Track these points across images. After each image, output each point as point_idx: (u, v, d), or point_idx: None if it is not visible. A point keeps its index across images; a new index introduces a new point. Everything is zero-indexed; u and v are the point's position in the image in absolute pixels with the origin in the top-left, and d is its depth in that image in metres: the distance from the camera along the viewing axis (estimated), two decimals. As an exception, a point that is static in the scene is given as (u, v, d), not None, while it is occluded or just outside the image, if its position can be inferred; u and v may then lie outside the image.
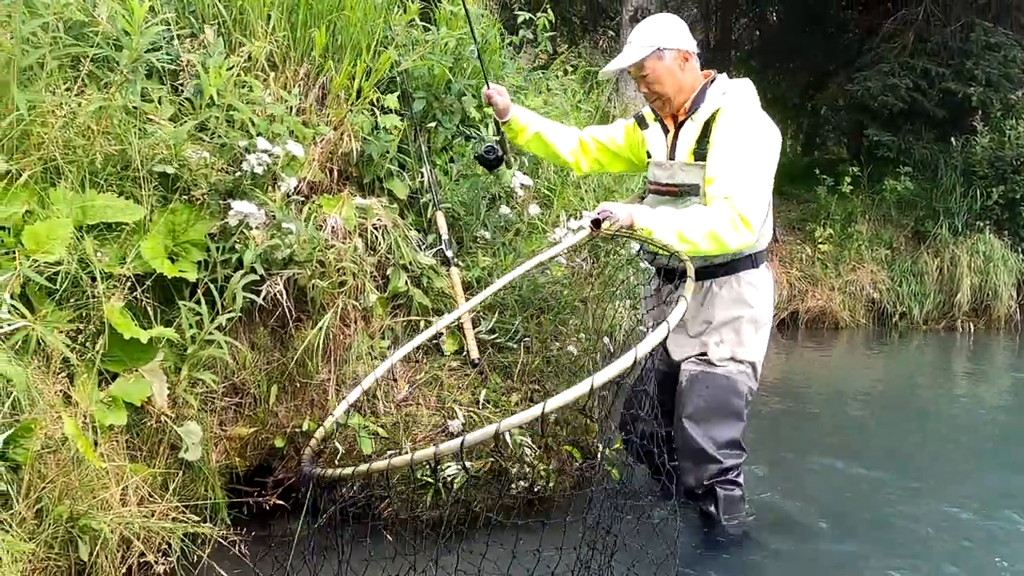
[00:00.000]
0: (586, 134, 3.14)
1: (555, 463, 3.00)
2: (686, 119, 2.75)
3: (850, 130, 10.61)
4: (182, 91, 2.94)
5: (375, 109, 3.32)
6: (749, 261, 2.81)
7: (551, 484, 2.96)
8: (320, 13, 3.32)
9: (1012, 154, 8.29)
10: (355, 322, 3.01)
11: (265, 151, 2.79)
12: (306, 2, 3.27)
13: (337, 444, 2.79)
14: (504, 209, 3.59)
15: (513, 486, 2.89)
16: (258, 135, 2.86)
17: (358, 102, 3.28)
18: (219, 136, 2.85)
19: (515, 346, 3.22)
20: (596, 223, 2.45)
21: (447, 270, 3.25)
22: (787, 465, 3.69)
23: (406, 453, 1.95)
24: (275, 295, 2.79)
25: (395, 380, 2.94)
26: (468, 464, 2.84)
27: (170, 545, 2.37)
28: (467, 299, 3.08)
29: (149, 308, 2.54)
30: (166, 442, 2.50)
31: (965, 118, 9.19)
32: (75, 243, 2.37)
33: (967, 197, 8.35)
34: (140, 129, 2.65)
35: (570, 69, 5.66)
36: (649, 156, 2.91)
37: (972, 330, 8.04)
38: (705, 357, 2.79)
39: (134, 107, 2.69)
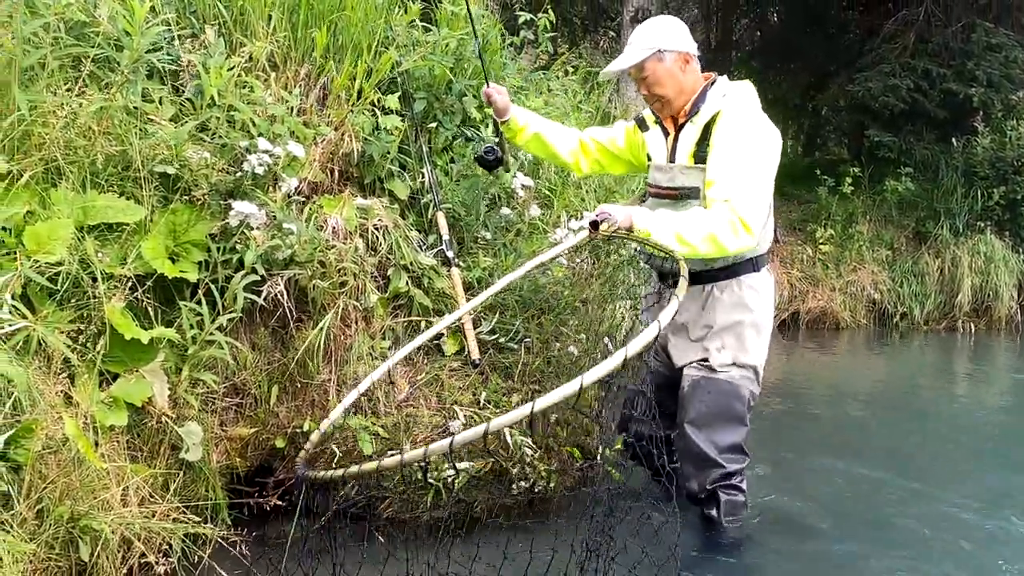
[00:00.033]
0: (586, 135, 3.13)
1: (556, 463, 3.00)
2: (686, 122, 2.73)
3: (851, 131, 10.61)
4: (183, 91, 2.95)
5: (376, 109, 3.32)
6: (750, 265, 2.79)
7: (552, 485, 2.95)
8: (321, 13, 3.32)
9: (1013, 155, 8.28)
10: (356, 322, 3.01)
11: (266, 151, 2.79)
12: (307, 2, 3.27)
13: (334, 447, 2.79)
14: (505, 210, 3.59)
15: (514, 487, 2.89)
16: (259, 135, 2.87)
17: (359, 102, 3.28)
18: (220, 136, 2.85)
19: (516, 347, 3.21)
20: (594, 225, 2.44)
21: (448, 270, 3.25)
22: (788, 465, 3.69)
23: (403, 454, 1.94)
24: (276, 295, 2.79)
25: (392, 383, 2.93)
26: (468, 464, 2.84)
27: (171, 546, 2.37)
28: (468, 300, 3.08)
29: (150, 308, 2.54)
30: (167, 442, 2.50)
31: (966, 119, 9.18)
32: (76, 243, 2.37)
33: (968, 198, 8.34)
34: (141, 129, 2.66)
35: (571, 70, 5.66)
36: (649, 159, 2.90)
37: (973, 331, 8.02)
38: (707, 363, 2.78)
39: (135, 107, 2.69)
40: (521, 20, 4.59)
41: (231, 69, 2.92)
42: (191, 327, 2.56)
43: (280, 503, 2.79)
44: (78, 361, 2.30)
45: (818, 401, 5.18)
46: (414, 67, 3.53)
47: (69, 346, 2.26)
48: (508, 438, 2.88)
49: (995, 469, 3.88)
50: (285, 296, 2.81)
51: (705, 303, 2.81)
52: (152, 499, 2.39)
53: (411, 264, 3.17)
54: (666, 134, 2.83)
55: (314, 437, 2.46)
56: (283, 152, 2.84)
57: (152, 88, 2.82)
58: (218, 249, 2.68)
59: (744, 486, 2.86)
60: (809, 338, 7.44)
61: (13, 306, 2.15)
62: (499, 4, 6.94)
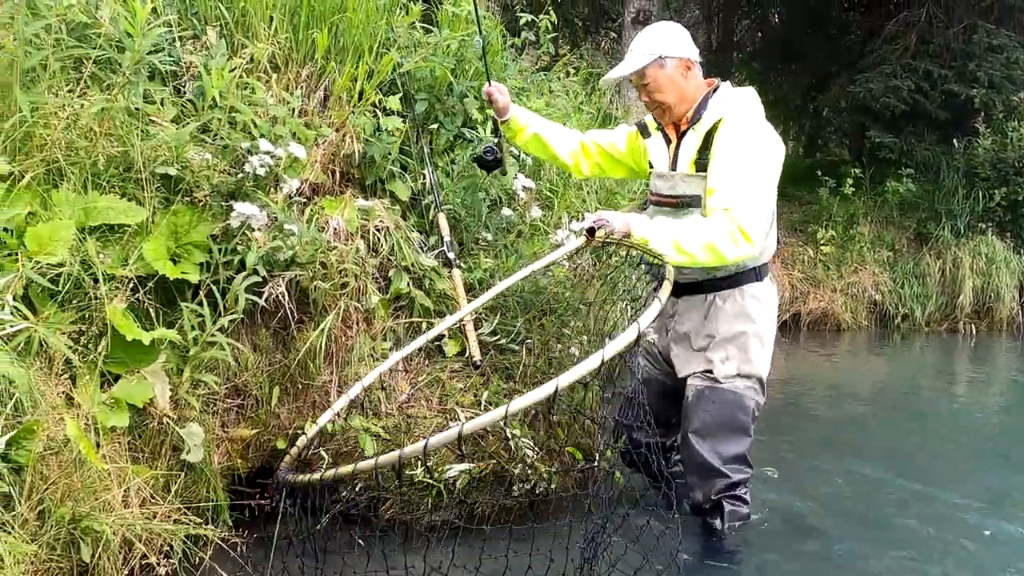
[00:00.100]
0: (588, 137, 3.11)
1: (557, 465, 3.00)
2: (688, 129, 2.71)
3: (852, 132, 10.60)
4: (184, 93, 2.95)
5: (377, 111, 3.33)
6: (753, 274, 2.77)
7: (553, 486, 2.95)
8: (322, 15, 3.32)
9: (1014, 156, 8.28)
10: (357, 324, 3.01)
11: (267, 153, 2.79)
12: (308, 4, 3.27)
13: (323, 452, 2.79)
14: (506, 211, 3.59)
15: (514, 488, 2.89)
16: (260, 137, 2.87)
17: (360, 104, 3.28)
18: (221, 138, 2.85)
19: (517, 348, 3.21)
20: (591, 231, 2.43)
21: (449, 272, 3.25)
22: (788, 465, 3.69)
23: (377, 457, 1.94)
24: (277, 297, 2.79)
25: (382, 389, 2.93)
26: (468, 465, 2.84)
27: (172, 547, 2.37)
28: (469, 301, 3.08)
29: (151, 310, 2.54)
30: (168, 444, 2.50)
31: (967, 120, 9.19)
32: (77, 245, 2.37)
33: (969, 199, 8.34)
34: (142, 131, 2.66)
35: (572, 71, 5.66)
36: (651, 166, 2.87)
37: (974, 332, 8.02)
38: (711, 374, 2.76)
39: (136, 109, 2.69)
40: (523, 21, 4.59)
41: (233, 70, 2.92)
42: (192, 328, 2.56)
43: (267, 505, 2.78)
44: (79, 362, 2.30)
45: (819, 401, 5.18)
46: (415, 68, 3.53)
47: (70, 347, 2.27)
48: (510, 439, 2.88)
49: (995, 469, 3.88)
50: (286, 297, 2.81)
51: (707, 312, 2.79)
52: (153, 500, 2.39)
53: (412, 265, 3.17)
54: (668, 141, 2.81)
55: (300, 442, 2.47)
56: (284, 153, 2.85)
57: (154, 89, 2.82)
58: (219, 250, 2.69)
59: (747, 497, 2.85)
60: (810, 339, 7.43)
61: (15, 307, 2.15)
62: (500, 5, 6.94)
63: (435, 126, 3.59)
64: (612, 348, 1.75)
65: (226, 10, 3.15)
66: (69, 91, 2.61)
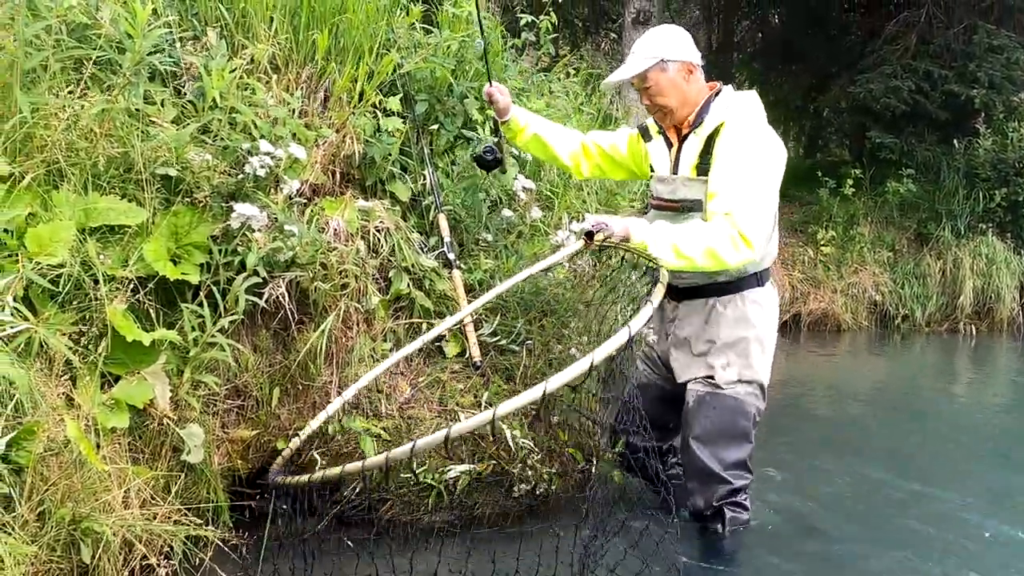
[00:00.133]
0: (589, 139, 3.10)
1: (557, 466, 3.00)
2: (690, 133, 2.69)
3: (852, 132, 10.61)
4: (185, 94, 2.95)
5: (377, 111, 3.33)
6: (754, 279, 2.75)
7: (553, 487, 2.95)
8: (322, 16, 3.32)
9: (1015, 156, 8.28)
10: (357, 324, 3.01)
11: (268, 153, 2.79)
12: (308, 5, 3.28)
13: (315, 455, 2.79)
14: (506, 212, 3.59)
15: (515, 489, 2.89)
16: (260, 138, 2.87)
17: (360, 104, 3.28)
18: (221, 139, 2.85)
19: (517, 348, 3.21)
20: (589, 235, 2.43)
21: (449, 272, 3.25)
22: (788, 465, 3.69)
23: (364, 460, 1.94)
24: (277, 297, 2.79)
25: (379, 391, 2.93)
26: (469, 467, 2.84)
27: (172, 548, 2.37)
28: (469, 302, 3.08)
29: (152, 310, 2.54)
30: (168, 444, 2.50)
31: (968, 120, 9.19)
32: (78, 246, 2.37)
33: (970, 199, 8.35)
34: (143, 132, 2.66)
35: (572, 72, 5.66)
36: (652, 170, 2.86)
37: (974, 333, 8.02)
38: (712, 380, 2.74)
39: (137, 110, 2.70)
40: (523, 22, 4.59)
41: (233, 71, 2.92)
42: (193, 329, 2.56)
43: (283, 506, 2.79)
44: (80, 363, 2.30)
45: (819, 402, 5.18)
46: (415, 69, 3.53)
47: (71, 348, 2.27)
48: (510, 440, 2.88)
49: (995, 469, 3.88)
50: (286, 298, 2.81)
51: (708, 317, 2.77)
52: (153, 501, 2.39)
53: (412, 266, 3.18)
54: (669, 145, 2.79)
55: (292, 444, 2.47)
56: (285, 154, 2.85)
57: (154, 90, 2.83)
58: (220, 251, 2.69)
59: (748, 503, 2.84)
60: (810, 340, 7.44)
61: (15, 308, 2.15)
62: (500, 6, 6.95)
63: (435, 127, 3.59)
64: (602, 351, 1.74)
65: (226, 11, 3.15)
66: (69, 92, 2.61)
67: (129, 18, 2.73)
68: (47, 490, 2.08)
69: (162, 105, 2.82)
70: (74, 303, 2.38)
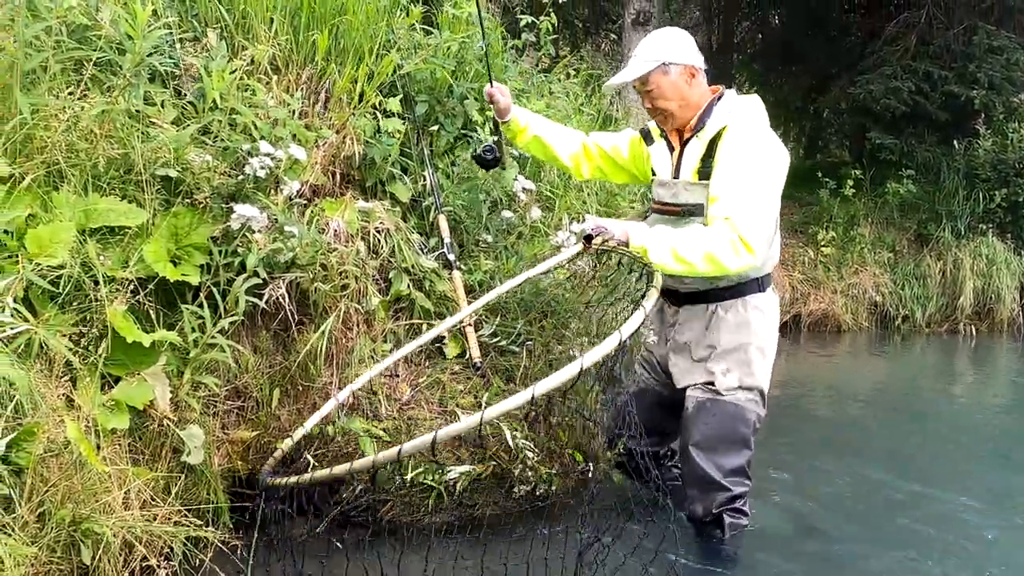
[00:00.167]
0: (590, 140, 3.08)
1: (557, 467, 3.00)
2: (691, 136, 2.67)
3: (852, 133, 10.61)
4: (185, 95, 2.95)
5: (377, 112, 3.33)
6: (756, 285, 2.73)
7: (554, 488, 2.95)
8: (322, 17, 3.33)
9: (1015, 157, 8.28)
10: (357, 325, 3.02)
11: (268, 154, 2.80)
12: (308, 6, 3.28)
13: (308, 456, 2.79)
14: (506, 212, 3.59)
15: (515, 490, 2.89)
16: (261, 138, 2.87)
17: (360, 105, 3.29)
18: (222, 140, 2.86)
19: (517, 349, 3.21)
20: (588, 238, 2.42)
21: (449, 273, 3.25)
22: (788, 465, 3.69)
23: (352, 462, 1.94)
24: (277, 298, 2.79)
25: (375, 393, 2.93)
26: (468, 467, 2.84)
27: (172, 549, 2.37)
28: (469, 302, 3.08)
29: (152, 311, 2.54)
30: (168, 446, 2.50)
31: (968, 121, 9.19)
32: (78, 247, 2.37)
33: (970, 200, 8.35)
34: (143, 133, 2.66)
35: (572, 73, 5.66)
36: (654, 174, 2.84)
37: (975, 333, 8.03)
38: (712, 386, 2.72)
39: (137, 111, 2.70)
40: (523, 23, 4.59)
41: (233, 72, 2.93)
42: (193, 330, 2.56)
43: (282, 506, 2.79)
44: (80, 364, 2.30)
45: (819, 402, 5.18)
46: (415, 70, 3.54)
47: (71, 349, 2.26)
48: (510, 440, 2.88)
49: (995, 470, 3.88)
50: (287, 299, 2.81)
51: (709, 323, 2.76)
52: (153, 502, 2.39)
53: (412, 267, 3.18)
54: (671, 149, 2.78)
55: (284, 445, 2.47)
56: (285, 155, 2.85)
57: (154, 91, 2.83)
58: (220, 252, 2.69)
59: (747, 509, 2.83)
60: (810, 340, 7.44)
61: (15, 309, 2.15)
62: (500, 7, 6.95)
63: (435, 128, 3.60)
64: (592, 356, 1.73)
65: (226, 12, 3.16)
66: (69, 93, 2.61)
67: (129, 19, 2.73)
68: (47, 491, 2.08)
69: (162, 106, 2.82)
70: (74, 304, 2.37)
